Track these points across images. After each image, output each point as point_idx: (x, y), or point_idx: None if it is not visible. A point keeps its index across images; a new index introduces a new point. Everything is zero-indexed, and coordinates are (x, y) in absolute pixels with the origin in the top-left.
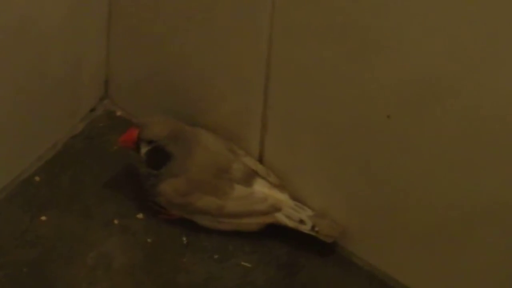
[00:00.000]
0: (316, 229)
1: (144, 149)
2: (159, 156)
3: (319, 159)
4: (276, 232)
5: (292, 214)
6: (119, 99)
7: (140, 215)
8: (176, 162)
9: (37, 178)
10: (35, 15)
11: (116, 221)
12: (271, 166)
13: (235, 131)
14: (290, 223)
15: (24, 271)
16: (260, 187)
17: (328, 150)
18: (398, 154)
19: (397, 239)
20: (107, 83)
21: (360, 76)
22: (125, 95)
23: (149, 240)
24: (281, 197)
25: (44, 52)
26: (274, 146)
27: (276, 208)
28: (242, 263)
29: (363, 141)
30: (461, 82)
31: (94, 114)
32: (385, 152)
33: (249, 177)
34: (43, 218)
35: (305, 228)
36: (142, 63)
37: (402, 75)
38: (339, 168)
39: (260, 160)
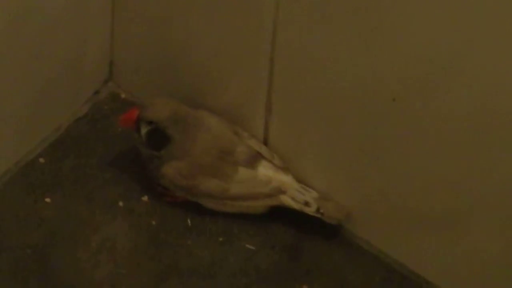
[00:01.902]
0: (321, 211)
1: (144, 130)
2: (159, 138)
3: (324, 141)
4: (281, 215)
5: (297, 196)
6: (123, 81)
7: (144, 198)
8: (176, 145)
9: (41, 160)
10: None
11: (120, 204)
12: (276, 149)
13: (239, 113)
14: (295, 205)
15: (28, 253)
16: (265, 170)
17: (333, 133)
18: (403, 137)
19: (403, 222)
20: (112, 65)
21: (365, 59)
22: (130, 78)
23: (153, 222)
24: (286, 179)
25: (48, 34)
26: (278, 129)
27: (281, 191)
28: (247, 245)
29: (368, 124)
30: (468, 63)
31: (98, 97)
32: (391, 135)
33: (254, 159)
34: (47, 200)
35: (310, 210)
36: (146, 45)
37: (407, 57)
38: (344, 151)
39: (265, 142)
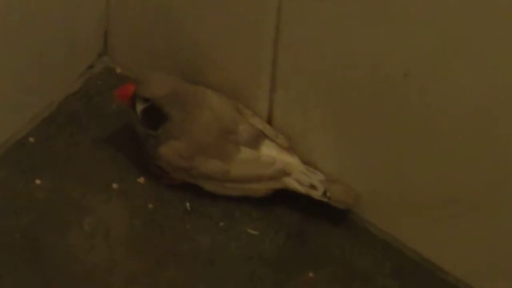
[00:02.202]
0: (328, 194)
1: (139, 107)
2: (155, 116)
3: (332, 120)
4: (285, 198)
5: (302, 178)
6: (119, 55)
7: (140, 179)
8: (174, 123)
9: (31, 140)
10: None
11: (115, 186)
12: (280, 128)
13: (242, 90)
14: (300, 188)
15: (17, 237)
16: (268, 150)
17: (342, 111)
18: (416, 115)
19: (416, 206)
20: (107, 38)
21: (376, 29)
22: (126, 51)
23: (150, 206)
24: (291, 160)
25: (38, 1)
26: (283, 106)
27: (285, 172)
28: (249, 231)
29: (379, 101)
30: (483, 35)
31: (92, 71)
32: (402, 113)
33: (257, 139)
34: (38, 182)
35: (316, 194)
36: (144, 16)
37: (419, 28)
38: (353, 130)
39: (269, 121)
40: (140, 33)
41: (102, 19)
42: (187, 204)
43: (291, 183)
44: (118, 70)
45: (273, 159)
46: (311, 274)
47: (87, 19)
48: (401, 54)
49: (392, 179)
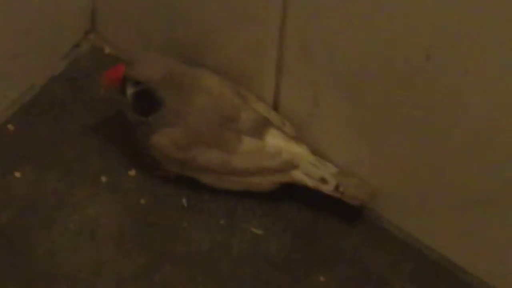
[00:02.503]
0: (341, 189)
1: (130, 91)
2: (148, 101)
3: (345, 106)
4: (293, 193)
5: (312, 171)
6: (108, 33)
7: (132, 172)
8: (169, 110)
9: (10, 127)
10: None
11: (103, 179)
12: (288, 114)
13: (245, 72)
14: (310, 182)
15: None
16: (274, 139)
17: (356, 96)
18: (439, 101)
19: (438, 203)
20: (94, 13)
21: (394, 8)
22: (116, 28)
23: (142, 201)
24: (299, 150)
25: None
26: (291, 90)
27: (293, 164)
28: (253, 229)
29: (398, 86)
30: None
31: (78, 51)
32: (424, 98)
33: (261, 127)
34: (17, 174)
35: (328, 189)
36: None
37: (445, 2)
38: (369, 117)
39: (275, 106)
40: (131, 8)
41: None
42: (184, 200)
43: (299, 176)
44: (107, 50)
45: (279, 150)
46: (321, 278)
47: None
48: (423, 33)
49: (412, 173)
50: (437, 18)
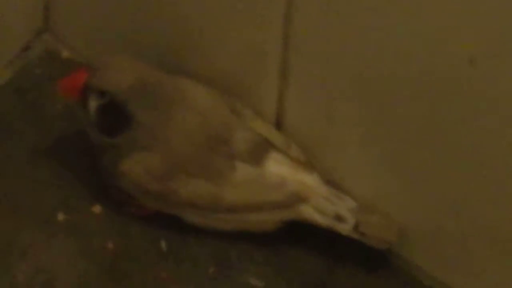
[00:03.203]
0: (361, 229)
1: (93, 104)
2: (116, 117)
3: (366, 124)
4: (301, 235)
5: (324, 206)
6: (64, 32)
7: (96, 208)
8: (142, 128)
9: None
10: None
11: (60, 217)
12: (294, 134)
13: (240, 81)
14: (322, 220)
15: None
16: (276, 166)
17: (380, 112)
18: (485, 118)
19: (477, 247)
20: (48, 8)
21: (432, 2)
22: (75, 27)
23: (110, 245)
24: (308, 180)
25: None
26: (298, 105)
27: (300, 198)
28: (251, 281)
29: (431, 99)
30: None
31: (28, 55)
32: (465, 114)
33: (260, 150)
34: None
35: (345, 228)
36: None
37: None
38: (396, 138)
39: (278, 124)
40: (95, 1)
41: None
42: (163, 243)
43: (309, 212)
44: (64, 53)
45: (282, 179)
46: None
47: None
48: (465, 33)
49: (448, 209)
50: (481, 19)
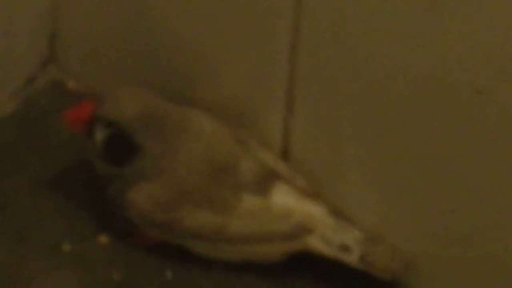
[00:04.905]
0: (368, 259)
1: (100, 135)
2: (122, 148)
3: (373, 153)
4: (307, 266)
5: (331, 237)
6: (71, 63)
7: (102, 238)
8: (149, 159)
9: None
10: None
11: (66, 247)
12: (300, 164)
13: (245, 110)
14: (329, 251)
15: None
16: (282, 197)
17: (387, 142)
18: (494, 148)
19: (482, 276)
20: (54, 38)
21: (434, 28)
22: (81, 57)
23: (116, 276)
24: (314, 211)
25: None
26: (304, 134)
27: (306, 229)
28: None
29: (439, 128)
30: None
31: (33, 87)
32: (475, 145)
33: (266, 181)
34: None
35: (351, 259)
36: (107, 8)
37: (500, 24)
38: (404, 169)
39: (284, 155)
40: (101, 31)
41: (47, 13)
42: (168, 273)
43: (315, 243)
44: (70, 85)
45: (289, 210)
46: None
47: (26, 15)
48: (471, 62)
49: (458, 239)
50: (489, 46)
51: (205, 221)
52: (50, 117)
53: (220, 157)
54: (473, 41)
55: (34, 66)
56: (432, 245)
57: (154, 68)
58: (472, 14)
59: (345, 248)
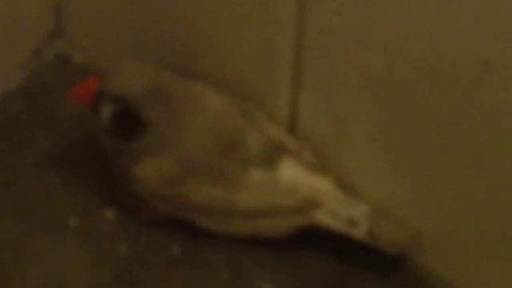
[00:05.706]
0: (375, 234)
1: (106, 110)
2: (129, 122)
3: (381, 126)
4: (314, 240)
5: (338, 211)
6: (77, 36)
7: (108, 213)
8: (155, 133)
9: None
10: None
11: (71, 222)
12: (308, 137)
13: (252, 84)
14: (336, 225)
15: None
16: (289, 171)
17: (395, 115)
18: (502, 121)
19: (490, 251)
20: (60, 11)
21: (442, 4)
22: (87, 30)
23: (122, 250)
24: (322, 185)
25: None
26: (312, 108)
27: (314, 203)
28: (264, 286)
29: (446, 100)
30: None
31: (39, 60)
32: (481, 118)
33: (273, 154)
34: None
35: (359, 233)
36: None
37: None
38: (410, 142)
39: (291, 128)
40: (107, 6)
41: None
42: (175, 248)
43: (323, 218)
44: (76, 58)
45: (296, 184)
46: None
47: None
48: (478, 33)
49: (465, 213)
50: (495, 19)
51: (212, 195)
52: (56, 91)
53: (227, 131)
54: (481, 16)
55: (40, 39)
56: (439, 219)
57: (161, 42)
58: None
59: (352, 222)
